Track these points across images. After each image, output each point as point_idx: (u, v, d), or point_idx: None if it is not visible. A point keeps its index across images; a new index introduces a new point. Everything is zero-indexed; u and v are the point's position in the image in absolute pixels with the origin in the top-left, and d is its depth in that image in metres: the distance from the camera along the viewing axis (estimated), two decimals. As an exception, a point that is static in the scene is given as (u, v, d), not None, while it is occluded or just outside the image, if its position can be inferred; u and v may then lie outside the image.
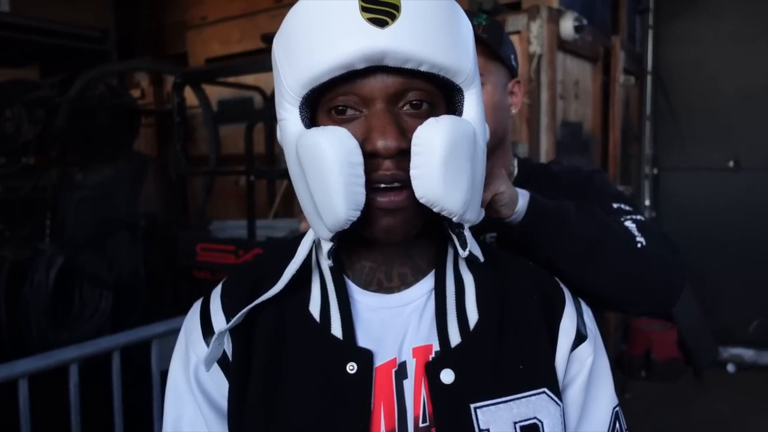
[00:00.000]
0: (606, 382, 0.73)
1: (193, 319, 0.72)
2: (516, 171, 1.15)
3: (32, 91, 3.57)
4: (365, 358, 0.64)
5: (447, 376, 0.64)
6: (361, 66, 0.57)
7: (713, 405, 3.68)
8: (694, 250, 4.41)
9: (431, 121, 0.58)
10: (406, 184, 0.59)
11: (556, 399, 0.67)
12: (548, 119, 2.94)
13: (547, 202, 0.88)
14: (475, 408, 0.63)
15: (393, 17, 0.56)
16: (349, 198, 0.57)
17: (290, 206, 3.63)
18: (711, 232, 4.38)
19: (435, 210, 0.59)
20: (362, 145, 0.58)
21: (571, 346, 0.70)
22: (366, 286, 0.69)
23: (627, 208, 1.00)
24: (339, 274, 0.68)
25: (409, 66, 0.57)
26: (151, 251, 3.49)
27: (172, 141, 3.66)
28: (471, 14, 1.07)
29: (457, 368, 0.64)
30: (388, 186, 0.59)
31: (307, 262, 0.70)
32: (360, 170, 0.57)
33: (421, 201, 0.59)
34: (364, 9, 0.56)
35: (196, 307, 0.73)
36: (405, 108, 0.60)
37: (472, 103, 0.62)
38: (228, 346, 0.68)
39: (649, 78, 4.56)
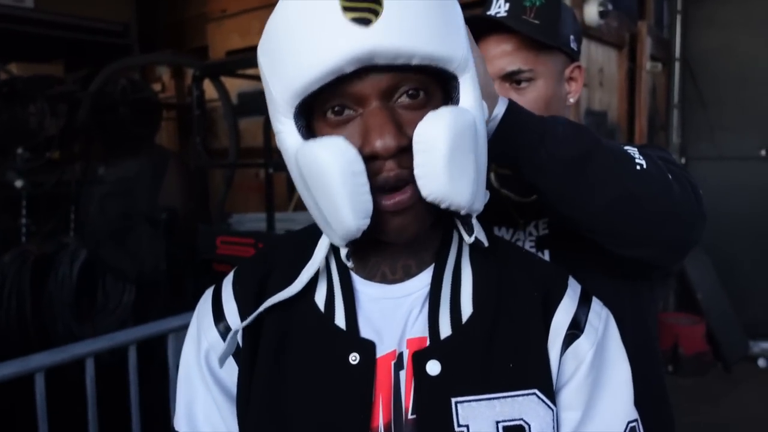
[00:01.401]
0: (621, 392, 0.68)
1: (204, 305, 0.73)
2: None
3: (55, 86, 3.61)
4: (368, 348, 0.64)
5: (433, 367, 0.62)
6: (350, 69, 0.54)
7: (743, 400, 3.60)
8: (724, 242, 4.30)
9: (431, 116, 0.56)
10: (411, 182, 0.57)
11: (548, 402, 0.64)
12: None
13: (528, 112, 0.80)
14: (456, 402, 0.62)
15: (376, 13, 0.54)
16: (357, 208, 0.56)
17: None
18: (741, 224, 4.28)
19: (443, 207, 0.58)
20: (362, 148, 0.57)
21: (564, 341, 0.66)
22: (371, 278, 0.68)
23: (659, 154, 0.88)
24: (345, 266, 0.68)
25: (400, 62, 0.55)
26: (172, 245, 3.51)
27: (192, 134, 3.68)
28: None
29: (444, 360, 0.63)
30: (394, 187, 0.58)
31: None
32: (363, 178, 0.56)
33: (428, 199, 0.57)
34: (345, 9, 0.54)
35: (208, 294, 0.74)
36: (400, 100, 0.58)
37: (468, 89, 0.60)
38: (239, 336, 0.69)
39: (677, 64, 4.45)
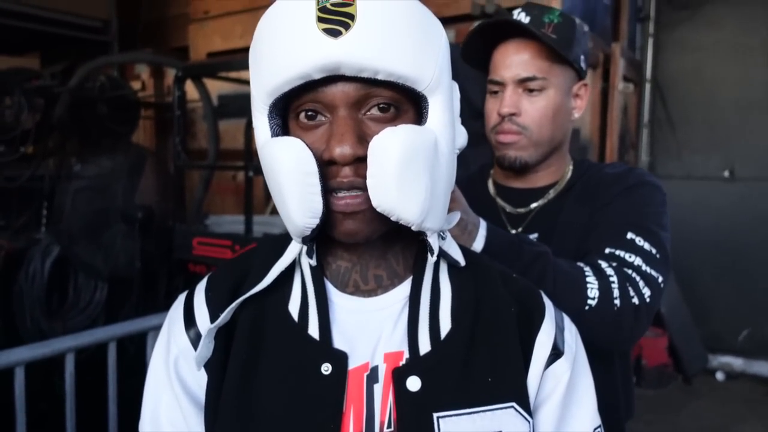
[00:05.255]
0: (587, 401, 0.72)
1: (176, 310, 0.73)
2: (570, 174, 1.13)
3: (32, 80, 3.56)
4: (340, 359, 0.64)
5: (413, 383, 0.64)
6: (318, 76, 0.57)
7: (701, 412, 3.72)
8: (687, 258, 4.44)
9: (387, 131, 0.58)
10: (364, 189, 0.60)
11: (525, 415, 0.66)
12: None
13: (500, 248, 0.89)
14: (438, 417, 0.63)
15: (347, 27, 0.56)
16: (304, 206, 0.59)
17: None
18: (704, 241, 4.41)
19: (392, 219, 0.60)
20: (323, 153, 0.59)
21: (546, 362, 0.69)
22: (343, 287, 0.69)
23: (640, 243, 0.96)
24: (319, 274, 0.69)
25: (365, 75, 0.57)
26: (147, 244, 3.49)
27: (171, 134, 3.67)
28: (544, 9, 1.05)
29: (424, 376, 0.64)
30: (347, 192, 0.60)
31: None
32: (314, 179, 0.58)
33: (378, 209, 0.59)
34: (320, 19, 0.57)
35: (181, 299, 0.74)
36: (369, 113, 0.60)
37: (437, 110, 0.61)
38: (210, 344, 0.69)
39: (647, 86, 4.59)
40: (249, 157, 3.30)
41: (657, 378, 4.04)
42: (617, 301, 0.90)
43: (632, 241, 0.97)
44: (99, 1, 4.41)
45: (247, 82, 3.75)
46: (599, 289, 0.90)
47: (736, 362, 4.34)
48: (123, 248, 3.50)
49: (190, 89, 3.50)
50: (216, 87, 3.92)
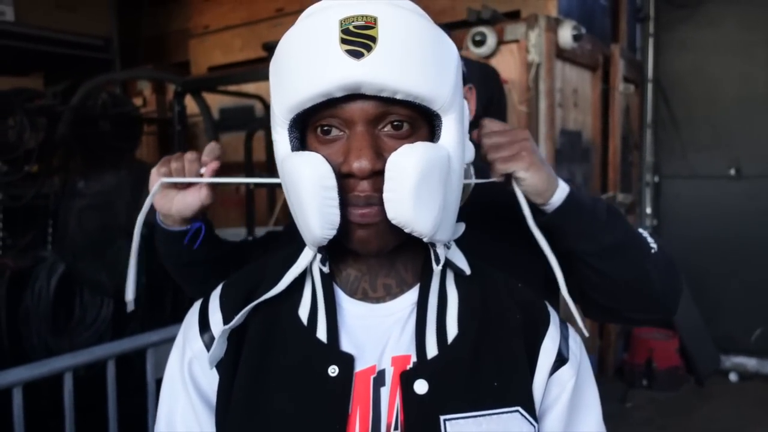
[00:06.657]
0: (591, 409, 0.74)
1: (192, 316, 0.76)
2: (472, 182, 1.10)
3: (35, 100, 3.60)
4: (347, 362, 0.67)
5: (420, 386, 0.66)
6: (339, 94, 0.60)
7: (715, 414, 3.66)
8: (695, 258, 4.40)
9: (405, 148, 0.61)
10: (380, 203, 0.62)
11: (531, 419, 0.68)
12: (547, 127, 2.95)
13: (583, 198, 0.90)
14: (445, 420, 0.65)
15: (369, 49, 0.59)
16: (323, 218, 0.62)
17: (290, 214, 3.64)
18: (712, 240, 4.37)
19: (406, 231, 0.63)
20: (341, 166, 0.62)
21: (551, 368, 0.71)
22: (352, 294, 0.72)
23: None
24: (329, 281, 0.71)
25: (384, 95, 0.60)
26: (152, 259, 3.49)
27: (173, 149, 3.68)
28: None
29: (431, 379, 0.66)
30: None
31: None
32: (333, 193, 0.61)
33: (393, 222, 0.62)
34: (343, 41, 0.59)
35: (197, 305, 0.77)
36: (386, 129, 0.63)
37: (450, 128, 0.64)
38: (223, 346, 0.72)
39: (649, 86, 4.57)
40: (250, 170, 3.31)
41: (669, 380, 3.99)
42: (654, 246, 0.96)
43: None
44: (100, 19, 4.45)
45: (246, 95, 3.78)
46: (656, 243, 0.96)
47: (750, 362, 4.28)
48: (128, 264, 3.50)
49: (192, 104, 3.52)
50: (217, 100, 3.94)
